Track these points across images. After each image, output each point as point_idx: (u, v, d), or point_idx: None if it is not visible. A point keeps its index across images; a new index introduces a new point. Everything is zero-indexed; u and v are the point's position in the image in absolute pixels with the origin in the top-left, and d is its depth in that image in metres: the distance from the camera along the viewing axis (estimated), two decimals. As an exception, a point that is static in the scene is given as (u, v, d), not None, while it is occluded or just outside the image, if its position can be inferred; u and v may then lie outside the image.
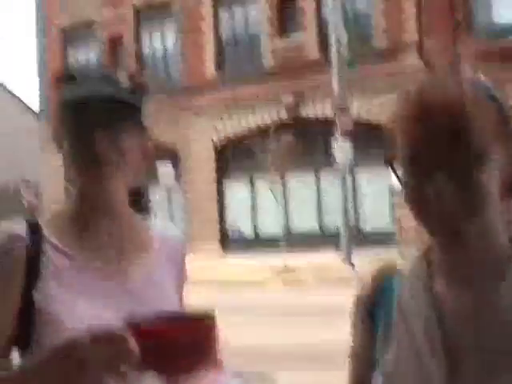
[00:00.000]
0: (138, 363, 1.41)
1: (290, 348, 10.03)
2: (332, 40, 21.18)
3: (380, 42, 24.38)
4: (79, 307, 1.70)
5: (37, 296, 1.70)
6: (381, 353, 1.49)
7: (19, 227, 1.76)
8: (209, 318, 1.47)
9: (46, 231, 1.78)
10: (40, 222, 1.80)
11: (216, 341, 1.47)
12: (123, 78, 1.82)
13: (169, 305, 1.81)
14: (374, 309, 1.54)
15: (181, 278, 1.97)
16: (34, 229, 1.77)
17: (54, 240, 1.77)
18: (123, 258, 1.83)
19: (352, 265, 19.48)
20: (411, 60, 23.43)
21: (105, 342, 1.39)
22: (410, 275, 1.50)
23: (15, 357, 1.75)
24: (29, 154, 38.85)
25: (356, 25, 23.96)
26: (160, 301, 1.80)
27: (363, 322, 1.56)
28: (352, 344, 1.61)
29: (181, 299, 1.96)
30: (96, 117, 1.76)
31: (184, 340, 1.42)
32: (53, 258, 1.75)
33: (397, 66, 23.60)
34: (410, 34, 23.81)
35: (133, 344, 1.40)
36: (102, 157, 1.76)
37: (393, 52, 23.88)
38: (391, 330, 1.48)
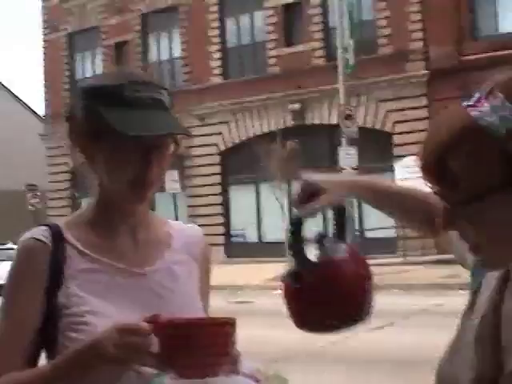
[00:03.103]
0: (157, 357, 1.50)
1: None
2: (338, 47, 21.26)
3: (385, 49, 24.46)
4: (104, 308, 1.71)
5: (61, 299, 1.72)
6: None
7: (42, 232, 1.77)
8: (228, 324, 1.57)
9: (67, 235, 1.79)
10: (61, 226, 1.81)
11: (233, 345, 1.57)
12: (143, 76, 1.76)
13: (192, 305, 1.82)
14: None
15: (205, 281, 1.95)
16: (56, 233, 1.78)
17: (75, 243, 1.78)
18: (144, 257, 1.83)
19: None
20: (416, 68, 23.49)
21: (129, 333, 1.53)
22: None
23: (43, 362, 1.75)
24: (34, 159, 38.73)
25: (362, 32, 24.02)
26: (183, 299, 1.82)
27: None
28: None
29: (206, 303, 1.94)
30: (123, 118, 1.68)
31: (203, 340, 1.51)
32: (76, 261, 1.76)
33: (402, 74, 23.68)
34: (415, 41, 23.87)
35: (154, 338, 1.51)
36: (127, 162, 1.71)
37: (398, 59, 23.95)
38: None
